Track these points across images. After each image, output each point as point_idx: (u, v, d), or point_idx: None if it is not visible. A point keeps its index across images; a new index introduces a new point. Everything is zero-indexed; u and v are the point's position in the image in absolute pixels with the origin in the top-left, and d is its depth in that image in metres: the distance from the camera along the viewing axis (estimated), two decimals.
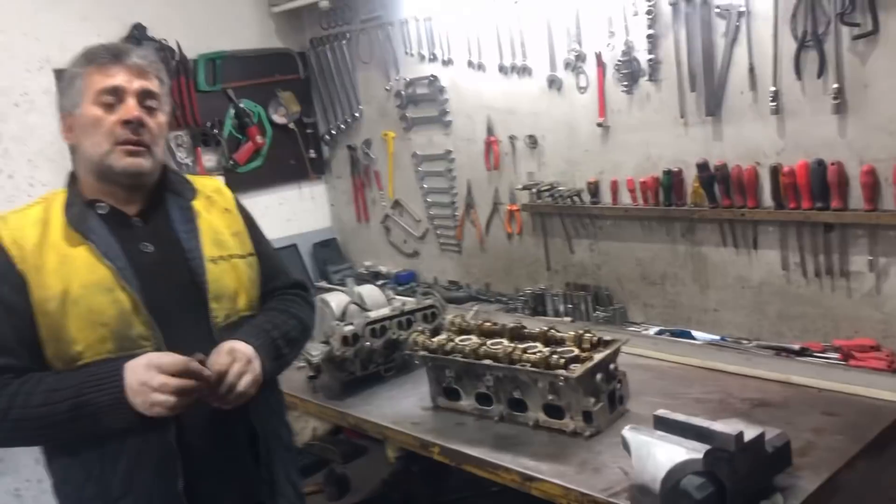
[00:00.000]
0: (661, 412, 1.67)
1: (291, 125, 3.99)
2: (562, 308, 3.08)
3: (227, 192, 1.96)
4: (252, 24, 3.88)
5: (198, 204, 1.82)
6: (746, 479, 1.63)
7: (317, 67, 4.00)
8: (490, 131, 3.25)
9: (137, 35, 3.44)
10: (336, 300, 2.74)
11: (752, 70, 2.42)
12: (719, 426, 1.58)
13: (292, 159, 4.04)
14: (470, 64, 3.26)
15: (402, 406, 2.51)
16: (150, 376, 1.52)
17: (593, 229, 2.99)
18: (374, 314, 2.66)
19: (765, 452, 1.66)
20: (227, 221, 1.87)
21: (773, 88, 2.37)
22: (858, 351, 2.27)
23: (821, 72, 2.26)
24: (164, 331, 1.65)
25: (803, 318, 2.48)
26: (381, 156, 3.86)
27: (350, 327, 2.58)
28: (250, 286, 1.85)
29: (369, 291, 2.88)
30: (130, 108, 1.66)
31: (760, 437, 1.64)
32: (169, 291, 1.70)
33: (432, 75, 3.42)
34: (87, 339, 1.60)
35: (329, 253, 4.19)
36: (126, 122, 1.65)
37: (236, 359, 1.63)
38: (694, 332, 2.65)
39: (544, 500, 3.09)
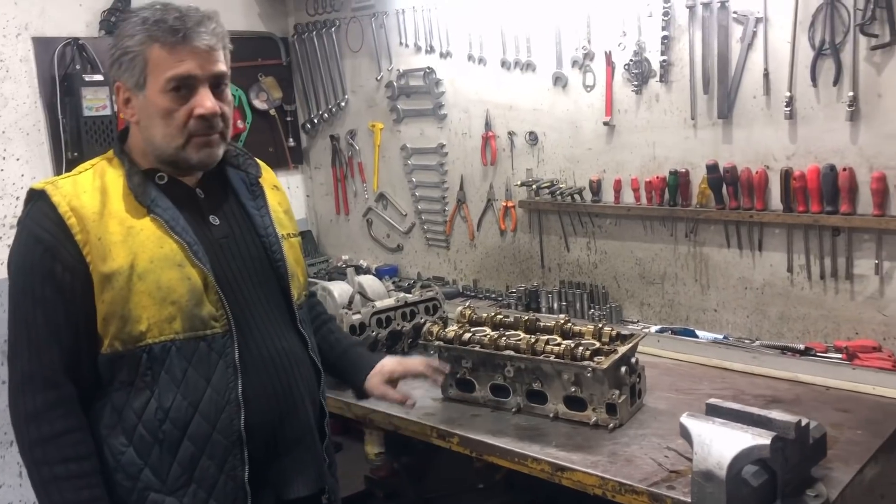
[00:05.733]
0: (713, 400, 1.68)
1: (272, 111, 3.89)
2: (556, 305, 3.08)
3: (270, 170, 1.88)
4: (237, 7, 3.77)
5: (261, 180, 1.75)
6: (794, 469, 1.65)
7: (300, 54, 3.90)
8: (488, 126, 3.23)
9: (121, 7, 3.29)
10: (339, 289, 2.66)
11: (766, 75, 2.47)
12: (776, 414, 1.59)
13: (271, 147, 3.93)
14: (470, 58, 3.23)
15: None
16: None
17: (592, 228, 3.00)
18: (379, 304, 2.60)
19: (808, 443, 1.69)
20: (278, 199, 1.81)
21: (787, 94, 2.43)
22: (861, 352, 2.34)
23: (836, 80, 2.33)
24: (233, 310, 1.56)
25: (804, 320, 2.54)
26: (366, 147, 3.78)
27: (357, 316, 2.52)
28: (304, 266, 1.83)
29: (370, 282, 2.82)
30: (204, 100, 1.51)
31: (807, 426, 1.67)
32: (239, 269, 1.61)
33: (428, 67, 3.38)
34: (152, 317, 1.49)
35: (304, 246, 4.05)
36: (201, 117, 1.52)
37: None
38: (697, 331, 2.67)
39: (528, 495, 3.08)
